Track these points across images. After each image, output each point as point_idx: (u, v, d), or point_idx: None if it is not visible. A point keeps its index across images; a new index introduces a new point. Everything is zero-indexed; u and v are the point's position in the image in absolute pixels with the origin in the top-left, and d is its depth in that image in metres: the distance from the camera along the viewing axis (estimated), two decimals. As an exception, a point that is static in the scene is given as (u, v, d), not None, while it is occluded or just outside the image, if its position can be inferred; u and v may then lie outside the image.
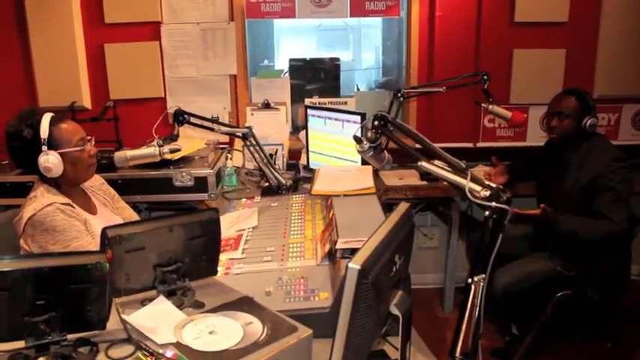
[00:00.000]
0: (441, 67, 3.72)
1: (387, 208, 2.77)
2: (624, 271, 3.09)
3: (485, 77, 3.29)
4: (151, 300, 1.52)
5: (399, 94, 3.37)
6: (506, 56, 3.77)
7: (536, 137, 3.82)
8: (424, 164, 1.65)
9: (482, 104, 3.32)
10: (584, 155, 2.94)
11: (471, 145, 3.94)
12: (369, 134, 1.88)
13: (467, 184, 1.52)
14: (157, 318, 1.41)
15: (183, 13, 3.65)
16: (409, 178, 3.54)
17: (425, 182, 3.44)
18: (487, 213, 1.45)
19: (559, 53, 3.77)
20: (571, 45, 3.72)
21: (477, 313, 1.46)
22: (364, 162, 2.74)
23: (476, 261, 1.47)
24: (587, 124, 2.97)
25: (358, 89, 4.32)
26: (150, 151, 2.47)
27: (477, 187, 1.50)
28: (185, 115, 2.64)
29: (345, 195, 2.63)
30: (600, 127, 3.85)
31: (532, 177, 3.33)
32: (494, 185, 1.48)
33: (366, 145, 1.90)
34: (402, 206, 1.55)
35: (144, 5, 3.60)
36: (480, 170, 3.64)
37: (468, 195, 1.49)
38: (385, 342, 1.71)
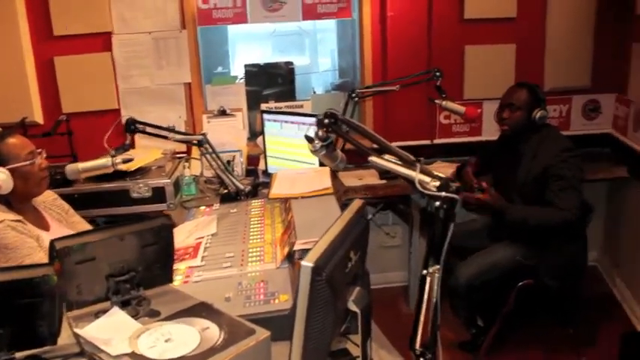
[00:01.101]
0: (394, 67, 3.73)
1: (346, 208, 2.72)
2: (581, 257, 3.16)
3: (437, 74, 3.32)
4: (105, 312, 1.49)
5: (353, 95, 3.40)
6: (458, 53, 3.81)
7: (491, 131, 3.84)
8: (374, 159, 1.66)
9: (436, 100, 3.35)
10: (536, 146, 2.99)
11: (428, 142, 3.97)
12: (320, 133, 1.87)
13: (416, 176, 1.53)
14: (112, 329, 1.38)
15: (135, 22, 3.59)
16: (368, 178, 3.54)
17: (384, 181, 3.44)
18: (437, 203, 1.46)
19: (509, 48, 3.83)
20: (521, 40, 3.79)
21: (434, 303, 1.46)
22: (322, 164, 2.70)
23: (430, 252, 1.49)
24: (538, 115, 3.03)
25: (314, 92, 4.32)
26: (102, 162, 2.42)
27: (427, 179, 1.52)
28: (137, 125, 2.57)
29: (303, 197, 2.62)
30: (552, 118, 3.93)
31: (488, 170, 3.35)
32: (443, 176, 1.50)
33: (318, 144, 1.89)
34: (356, 203, 1.56)
35: (93, 16, 3.54)
36: (438, 166, 3.67)
37: (418, 187, 1.50)
38: (347, 340, 1.69)
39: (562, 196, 2.81)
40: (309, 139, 1.90)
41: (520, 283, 3.02)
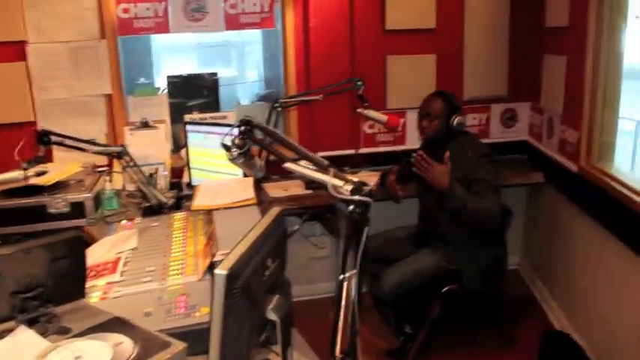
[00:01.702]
0: (318, 76, 3.74)
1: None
2: (502, 260, 3.25)
3: (359, 83, 3.35)
4: (10, 331, 1.41)
5: (277, 105, 3.38)
6: (380, 63, 3.85)
7: (415, 140, 3.85)
8: (289, 165, 1.65)
9: (358, 109, 3.36)
10: (455, 152, 3.02)
11: (352, 151, 3.97)
12: (237, 140, 1.87)
13: (330, 180, 1.52)
14: (17, 350, 1.30)
15: (51, 31, 3.45)
16: (294, 188, 3.50)
17: (310, 191, 3.40)
18: (351, 207, 1.45)
19: (430, 59, 3.91)
20: (440, 50, 3.87)
21: (352, 309, 1.50)
22: (246, 175, 2.74)
23: (346, 257, 1.48)
24: (455, 122, 3.10)
25: (239, 103, 4.28)
26: (13, 175, 2.32)
27: (340, 183, 1.51)
28: (51, 136, 2.46)
29: (225, 208, 2.59)
30: (472, 126, 4.03)
31: (412, 177, 3.34)
32: (356, 179, 1.49)
33: (235, 151, 1.88)
34: (273, 211, 1.54)
35: (6, 24, 3.39)
36: (364, 176, 3.67)
37: (332, 191, 1.50)
38: (270, 351, 1.66)
39: (485, 196, 2.85)
40: (226, 147, 1.89)
41: (445, 289, 3.08)
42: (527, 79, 3.99)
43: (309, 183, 3.35)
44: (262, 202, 2.79)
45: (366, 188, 1.47)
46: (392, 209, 3.41)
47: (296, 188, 3.48)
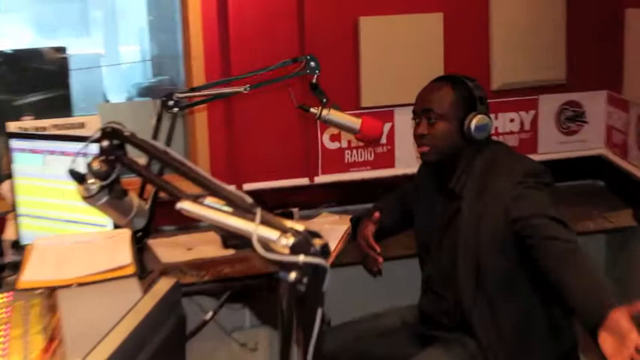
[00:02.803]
0: (241, 56, 3.10)
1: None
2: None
3: (312, 64, 2.67)
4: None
5: (171, 103, 2.71)
6: (348, 29, 3.19)
7: (410, 160, 3.22)
8: (185, 205, 1.31)
9: (311, 109, 2.69)
10: (479, 178, 2.35)
11: (305, 181, 3.23)
12: (96, 165, 1.50)
13: (255, 229, 1.20)
14: None
15: None
16: (204, 247, 2.91)
17: (231, 251, 2.82)
18: (292, 275, 1.12)
19: (432, 19, 3.23)
20: (451, 7, 3.20)
21: None
22: (118, 226, 2.42)
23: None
24: (474, 124, 2.34)
25: (107, 101, 3.72)
26: None
27: (273, 233, 1.20)
28: None
29: (79, 284, 2.04)
30: (506, 135, 3.26)
31: (405, 226, 2.72)
32: (300, 228, 1.21)
33: (93, 185, 1.51)
34: (162, 284, 1.32)
35: None
36: (323, 222, 3.02)
37: (257, 248, 1.18)
38: None
39: (559, 227, 2.09)
40: (78, 177, 1.54)
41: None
42: (600, 54, 3.38)
43: (231, 238, 2.85)
44: (147, 271, 2.49)
45: (318, 242, 1.16)
46: (371, 280, 2.79)
47: (207, 246, 2.90)
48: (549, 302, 2.34)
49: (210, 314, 3.06)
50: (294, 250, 1.19)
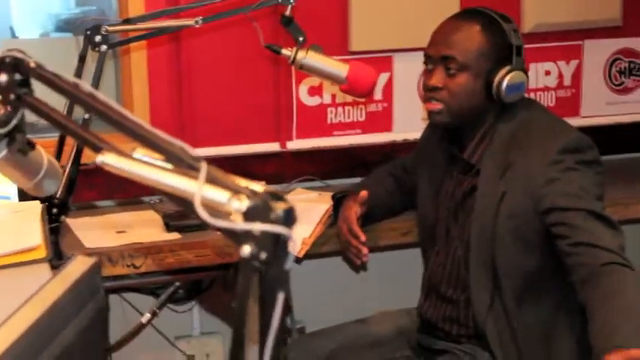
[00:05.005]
0: None
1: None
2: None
3: None
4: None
5: (98, 39, 2.30)
6: None
7: (412, 121, 2.85)
8: (107, 159, 1.08)
9: (283, 50, 2.26)
10: (503, 150, 2.01)
11: (275, 146, 2.84)
12: None
13: (198, 188, 1.01)
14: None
15: None
16: (141, 228, 2.50)
17: (177, 235, 2.38)
18: (246, 249, 0.97)
19: None
20: None
21: None
22: (32, 197, 1.99)
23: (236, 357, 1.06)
24: (506, 82, 1.97)
25: (15, 36, 3.48)
26: None
27: (222, 194, 1.02)
28: None
29: None
30: (541, 91, 2.91)
31: (401, 209, 2.41)
32: (258, 188, 1.05)
33: None
34: (77, 265, 1.17)
35: None
36: (300, 197, 2.69)
37: (200, 212, 1.00)
38: None
39: (600, 228, 1.82)
40: None
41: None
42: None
43: (175, 218, 2.37)
44: (64, 258, 2.10)
45: (280, 206, 1.00)
46: (358, 275, 2.62)
47: (145, 230, 2.51)
48: (578, 311, 2.02)
49: (147, 317, 2.62)
50: (249, 215, 1.02)
